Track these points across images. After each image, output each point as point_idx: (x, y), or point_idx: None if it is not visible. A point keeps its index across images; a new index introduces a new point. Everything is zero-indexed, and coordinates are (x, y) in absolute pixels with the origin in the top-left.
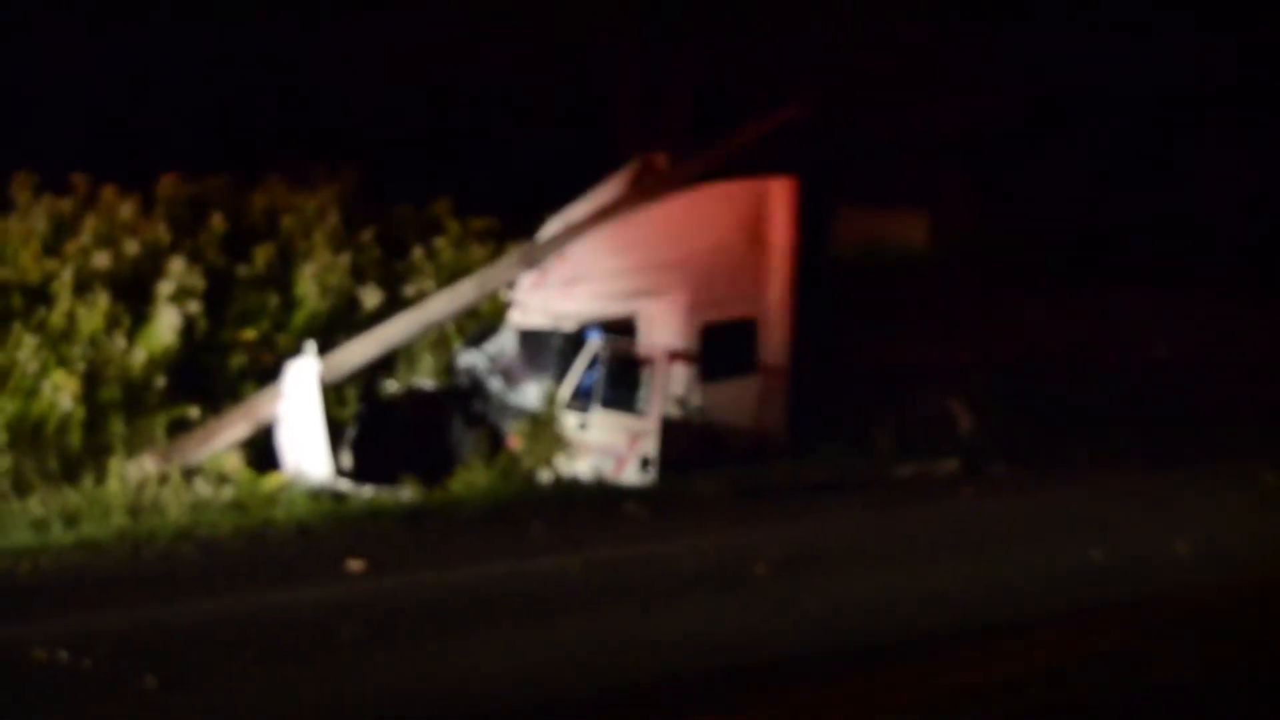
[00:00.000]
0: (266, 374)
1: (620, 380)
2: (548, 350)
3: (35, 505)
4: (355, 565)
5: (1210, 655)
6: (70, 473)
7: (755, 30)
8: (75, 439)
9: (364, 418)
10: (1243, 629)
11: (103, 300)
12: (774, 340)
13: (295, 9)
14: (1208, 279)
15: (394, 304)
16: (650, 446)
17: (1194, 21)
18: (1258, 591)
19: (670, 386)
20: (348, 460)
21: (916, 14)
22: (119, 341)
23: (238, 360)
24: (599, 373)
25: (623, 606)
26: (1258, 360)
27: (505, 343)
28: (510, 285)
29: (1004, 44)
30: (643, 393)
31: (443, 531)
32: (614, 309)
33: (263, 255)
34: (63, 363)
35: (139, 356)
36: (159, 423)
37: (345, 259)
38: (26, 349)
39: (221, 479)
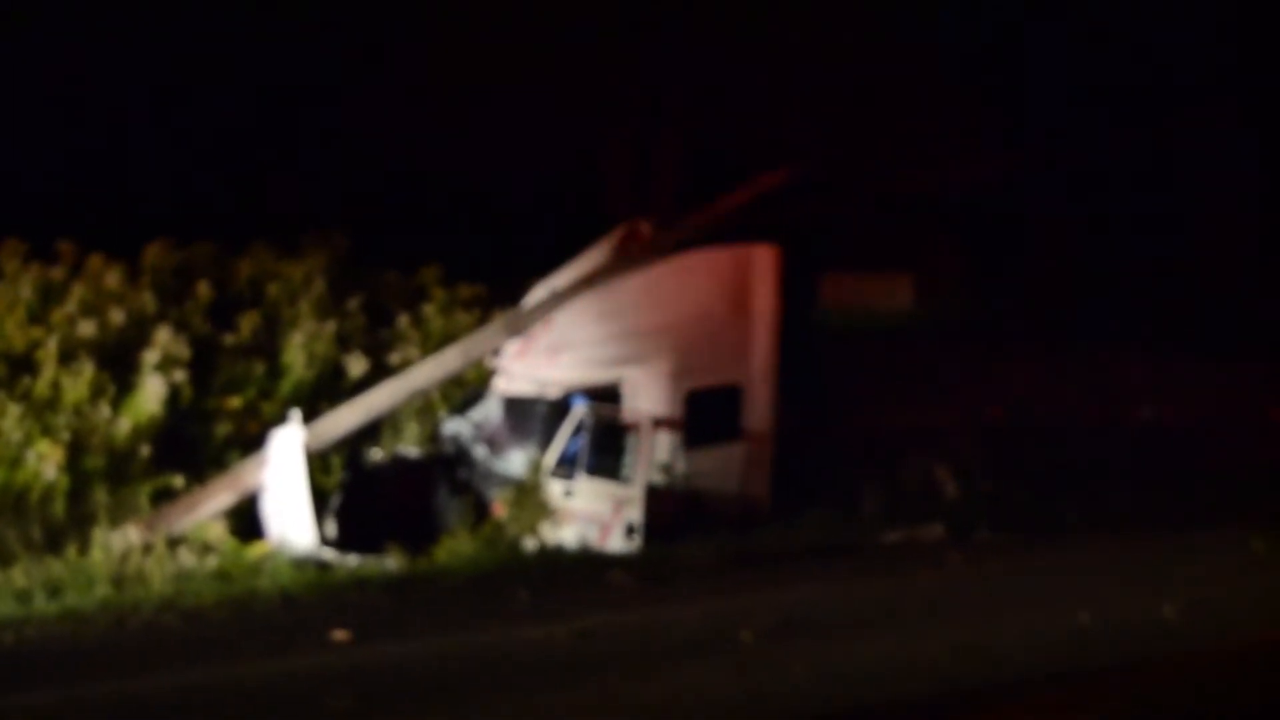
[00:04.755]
0: (251, 442)
1: (605, 447)
2: (533, 418)
3: (18, 576)
4: (340, 635)
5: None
6: (54, 543)
7: (741, 98)
8: (59, 508)
9: (349, 486)
10: (1232, 694)
11: (88, 369)
12: (759, 406)
13: (282, 78)
14: (1195, 341)
15: (379, 372)
16: (635, 514)
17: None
18: (1247, 656)
19: (655, 453)
20: (332, 529)
21: (902, 80)
22: (104, 410)
23: (223, 429)
24: (584, 440)
25: (610, 675)
26: (1246, 422)
27: (490, 410)
28: (495, 352)
29: (990, 109)
30: (628, 460)
31: (428, 600)
32: (599, 376)
33: (248, 323)
34: (47, 432)
35: (124, 426)
36: (143, 492)
37: (331, 327)
38: (11, 418)
39: (206, 548)
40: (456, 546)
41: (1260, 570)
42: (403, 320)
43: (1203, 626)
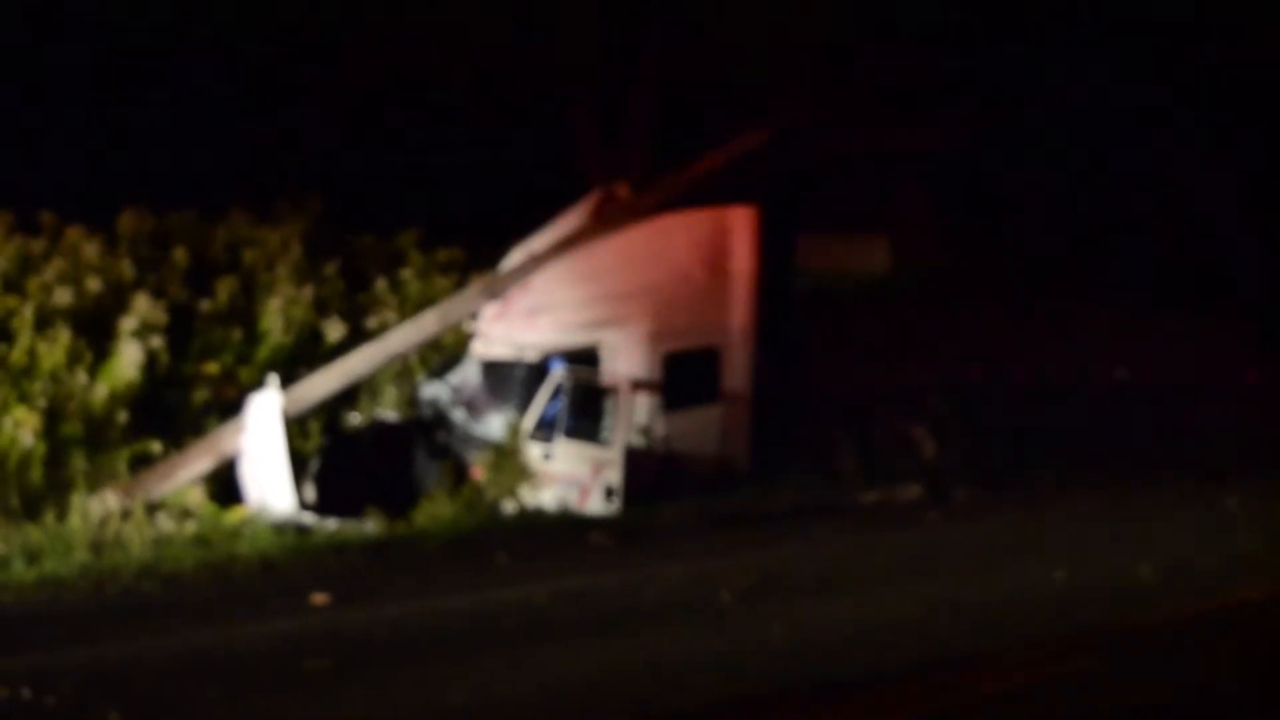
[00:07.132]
0: (229, 408)
1: (584, 410)
2: (511, 381)
3: None
4: (319, 598)
5: (1176, 677)
6: (32, 509)
7: (716, 59)
8: (36, 475)
9: (327, 450)
10: (1207, 651)
11: (64, 336)
12: (737, 368)
13: (259, 42)
14: (1171, 301)
15: (357, 336)
16: (614, 476)
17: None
18: (1222, 614)
19: (634, 416)
20: (311, 493)
21: (877, 40)
22: (80, 377)
23: (200, 394)
24: (562, 403)
25: (589, 637)
26: (1220, 382)
27: (468, 374)
28: (473, 316)
29: (964, 69)
30: (606, 423)
31: (407, 564)
32: (577, 339)
33: (225, 289)
34: (24, 399)
35: (101, 392)
36: (121, 458)
37: (308, 292)
38: None
39: (185, 514)
40: (435, 510)
41: (1235, 530)
42: (380, 284)
43: (1179, 585)
